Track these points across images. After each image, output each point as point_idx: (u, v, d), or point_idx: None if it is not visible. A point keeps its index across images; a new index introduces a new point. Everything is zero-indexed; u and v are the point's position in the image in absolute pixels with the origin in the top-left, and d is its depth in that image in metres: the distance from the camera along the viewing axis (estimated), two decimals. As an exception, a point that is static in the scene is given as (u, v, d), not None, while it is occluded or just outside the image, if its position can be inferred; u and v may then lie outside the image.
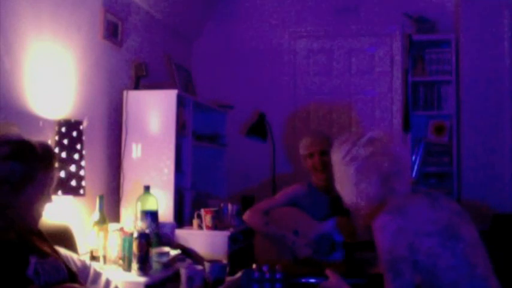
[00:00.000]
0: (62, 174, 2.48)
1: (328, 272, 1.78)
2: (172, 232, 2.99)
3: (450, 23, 4.07)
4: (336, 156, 1.86)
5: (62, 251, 1.92)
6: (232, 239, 3.26)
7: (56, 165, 1.71)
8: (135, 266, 2.34)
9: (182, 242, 3.11)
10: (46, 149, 1.67)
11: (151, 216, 2.71)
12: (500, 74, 3.79)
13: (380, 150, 1.77)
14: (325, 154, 2.98)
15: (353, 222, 2.55)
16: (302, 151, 3.05)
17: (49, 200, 1.69)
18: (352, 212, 2.02)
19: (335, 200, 3.01)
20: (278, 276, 1.84)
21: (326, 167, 2.98)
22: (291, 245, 2.85)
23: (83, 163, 2.57)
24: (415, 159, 4.01)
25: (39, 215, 1.67)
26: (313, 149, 2.99)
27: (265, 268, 1.85)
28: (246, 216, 3.04)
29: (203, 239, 3.20)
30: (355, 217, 2.06)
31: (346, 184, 1.82)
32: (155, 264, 2.44)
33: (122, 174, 3.20)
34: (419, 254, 1.59)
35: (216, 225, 3.24)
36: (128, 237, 2.38)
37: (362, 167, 1.76)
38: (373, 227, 1.66)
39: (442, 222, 1.64)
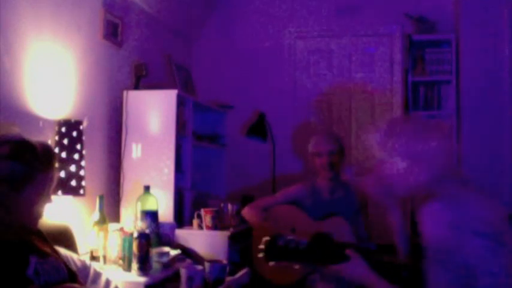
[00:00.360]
0: (62, 174, 2.48)
1: (349, 252, 1.69)
2: (172, 232, 2.99)
3: (450, 23, 4.07)
4: (408, 127, 1.74)
5: (62, 251, 1.92)
6: (232, 239, 3.26)
7: (56, 165, 1.71)
8: (135, 266, 2.34)
9: (182, 242, 3.10)
10: (46, 149, 1.67)
11: (151, 216, 2.71)
12: (500, 74, 3.78)
13: (444, 135, 1.75)
14: (333, 154, 2.99)
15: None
16: (311, 149, 3.05)
17: (49, 200, 1.69)
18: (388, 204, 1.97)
19: (338, 201, 3.03)
20: (303, 243, 1.74)
21: (333, 167, 2.99)
22: None
23: (83, 163, 2.57)
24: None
25: (39, 215, 1.67)
26: (322, 149, 2.99)
27: (290, 237, 1.76)
28: (244, 211, 3.05)
29: (203, 239, 3.20)
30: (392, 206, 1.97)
31: (412, 160, 1.68)
32: (155, 264, 2.44)
33: (122, 174, 3.20)
34: (464, 252, 1.52)
35: (216, 225, 3.24)
36: (127, 237, 2.38)
37: (440, 142, 1.68)
38: (422, 213, 1.61)
39: (492, 225, 1.56)
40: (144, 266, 2.34)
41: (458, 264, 1.52)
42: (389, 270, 2.09)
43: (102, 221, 2.47)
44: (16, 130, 2.11)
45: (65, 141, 2.54)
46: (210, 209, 3.29)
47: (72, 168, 2.51)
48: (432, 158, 1.67)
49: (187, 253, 2.89)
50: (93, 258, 2.40)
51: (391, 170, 1.72)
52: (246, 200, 3.67)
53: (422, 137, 1.69)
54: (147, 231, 2.46)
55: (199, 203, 3.56)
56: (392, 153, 1.71)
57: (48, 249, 1.74)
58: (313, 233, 2.88)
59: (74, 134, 2.56)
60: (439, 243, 1.54)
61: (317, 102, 4.36)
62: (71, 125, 2.58)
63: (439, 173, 1.67)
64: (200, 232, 3.24)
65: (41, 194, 1.64)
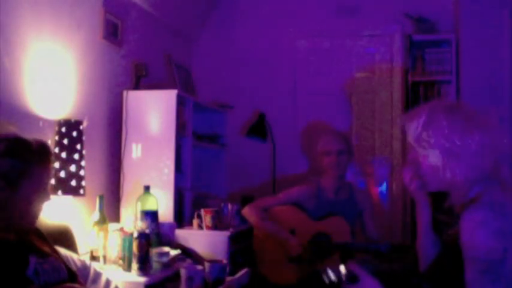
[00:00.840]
0: (62, 174, 2.48)
1: (358, 271, 1.51)
2: (172, 232, 2.99)
3: (450, 23, 4.07)
4: (448, 118, 1.56)
5: (62, 251, 1.93)
6: (232, 239, 3.26)
7: (53, 161, 1.71)
8: (135, 266, 2.34)
9: (182, 242, 3.10)
10: (42, 145, 1.68)
11: (151, 216, 2.71)
12: (500, 74, 3.78)
13: (495, 127, 1.56)
14: (342, 154, 2.98)
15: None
16: (320, 148, 3.05)
17: (47, 197, 1.69)
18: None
19: (342, 202, 3.03)
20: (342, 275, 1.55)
21: (341, 167, 2.99)
22: (283, 241, 2.86)
23: (83, 163, 2.57)
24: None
25: (38, 213, 1.68)
26: (331, 148, 2.99)
27: (330, 271, 1.55)
28: (244, 210, 3.06)
29: (203, 239, 3.20)
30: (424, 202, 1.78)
31: (447, 155, 1.54)
32: (155, 264, 2.44)
33: (122, 174, 3.20)
34: (508, 264, 1.41)
35: (216, 225, 3.24)
36: (127, 237, 2.38)
37: (484, 137, 1.52)
38: (468, 218, 1.47)
39: None
40: (144, 266, 2.34)
41: (506, 276, 1.41)
42: (409, 281, 1.97)
43: (102, 221, 2.47)
44: (14, 129, 2.11)
45: (65, 141, 2.54)
46: (210, 209, 3.28)
47: (72, 168, 2.51)
48: (471, 155, 1.52)
49: (187, 253, 2.89)
50: (93, 258, 2.40)
51: (425, 163, 1.59)
52: (246, 200, 3.67)
53: (462, 130, 1.53)
54: (147, 231, 2.45)
55: (199, 203, 3.56)
56: (426, 145, 1.57)
57: (47, 249, 1.74)
58: (312, 234, 2.90)
59: (74, 134, 2.56)
60: (486, 254, 1.42)
61: (317, 102, 4.35)
62: (71, 125, 2.58)
63: (480, 174, 1.53)
64: (200, 232, 3.24)
65: (38, 190, 1.65)
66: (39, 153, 1.64)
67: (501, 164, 1.54)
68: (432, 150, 1.56)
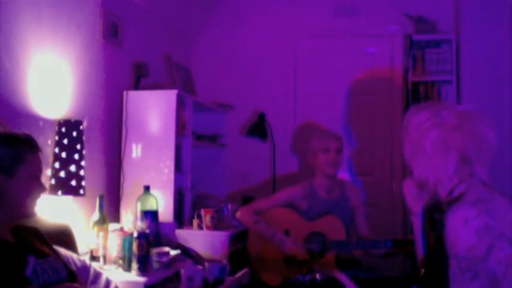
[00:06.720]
0: (62, 174, 2.48)
1: (342, 277, 1.57)
2: (172, 232, 2.99)
3: (450, 23, 4.07)
4: (415, 120, 1.63)
5: (62, 251, 1.93)
6: (232, 239, 3.26)
7: (40, 149, 1.76)
8: (135, 266, 2.34)
9: (182, 242, 3.10)
10: (28, 135, 1.75)
11: (151, 216, 2.71)
12: (500, 74, 3.78)
13: (467, 127, 1.58)
14: (339, 152, 2.94)
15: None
16: (317, 145, 2.96)
17: (43, 188, 1.73)
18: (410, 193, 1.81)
19: (335, 201, 3.03)
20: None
21: (337, 166, 2.95)
22: (278, 243, 2.85)
23: (83, 163, 2.57)
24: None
25: (35, 202, 1.70)
26: (331, 145, 2.93)
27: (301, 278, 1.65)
28: (238, 213, 3.05)
29: (203, 239, 3.20)
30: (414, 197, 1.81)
31: (419, 154, 1.61)
32: (155, 264, 2.44)
33: (122, 174, 3.20)
34: (493, 259, 1.42)
35: (216, 225, 3.24)
36: (127, 237, 2.38)
37: (442, 138, 1.56)
38: (451, 217, 1.49)
39: None
40: (144, 266, 2.34)
41: (486, 273, 1.43)
42: (398, 283, 1.99)
43: (102, 221, 2.47)
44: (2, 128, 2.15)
45: (65, 141, 2.54)
46: (210, 209, 3.29)
47: (72, 168, 2.51)
48: (428, 154, 1.58)
49: (187, 253, 2.89)
50: (93, 258, 2.40)
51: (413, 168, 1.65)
52: (245, 200, 3.68)
53: (420, 128, 1.60)
54: (147, 231, 2.45)
55: (199, 203, 3.56)
56: (408, 149, 1.65)
57: (47, 250, 1.74)
58: (307, 233, 2.89)
59: (74, 134, 2.56)
60: (468, 251, 1.44)
61: (317, 102, 4.35)
62: (71, 125, 2.58)
63: (444, 173, 1.56)
64: (200, 232, 3.24)
65: (34, 178, 1.68)
66: (27, 141, 1.71)
67: (473, 163, 1.57)
68: (410, 149, 1.64)
